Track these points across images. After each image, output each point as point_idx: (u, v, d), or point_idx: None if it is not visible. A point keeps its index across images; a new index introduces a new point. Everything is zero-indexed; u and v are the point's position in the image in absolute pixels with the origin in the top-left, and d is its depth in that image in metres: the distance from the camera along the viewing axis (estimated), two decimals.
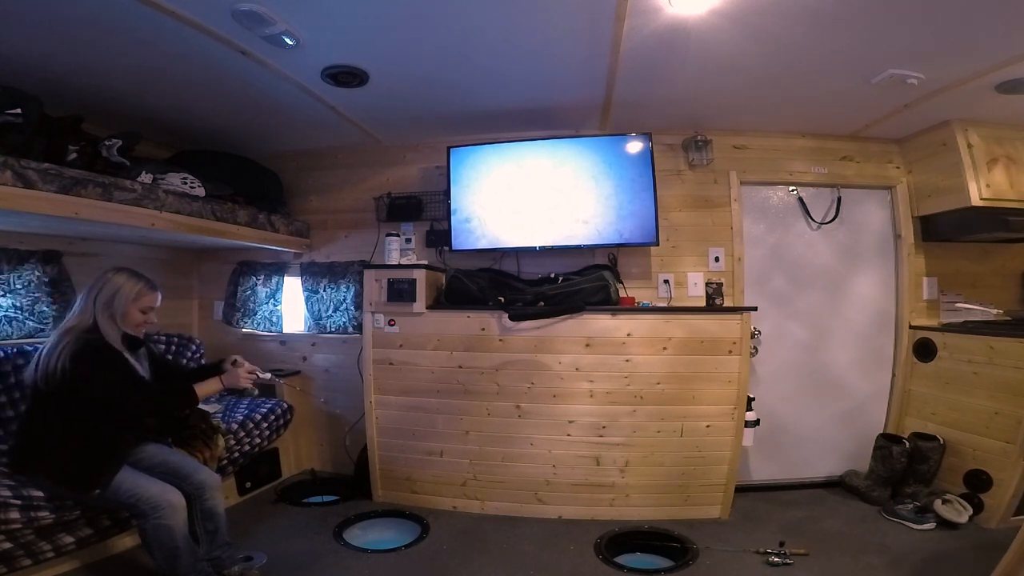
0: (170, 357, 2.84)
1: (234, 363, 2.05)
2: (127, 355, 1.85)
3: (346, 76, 2.28)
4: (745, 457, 2.84)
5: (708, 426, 2.48)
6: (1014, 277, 3.06)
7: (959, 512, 2.39)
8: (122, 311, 1.83)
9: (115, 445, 1.77)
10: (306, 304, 3.29)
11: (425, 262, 2.81)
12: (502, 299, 2.59)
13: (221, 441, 2.34)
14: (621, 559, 2.21)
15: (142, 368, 1.93)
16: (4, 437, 2.02)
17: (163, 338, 2.87)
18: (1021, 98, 2.35)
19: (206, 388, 1.93)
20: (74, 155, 2.10)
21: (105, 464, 1.72)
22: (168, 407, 1.92)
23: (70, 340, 1.71)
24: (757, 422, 2.58)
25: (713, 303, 2.58)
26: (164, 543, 1.71)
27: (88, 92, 2.35)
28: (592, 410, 2.52)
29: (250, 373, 2.03)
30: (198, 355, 2.96)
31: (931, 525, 2.38)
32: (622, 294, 2.74)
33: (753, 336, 2.75)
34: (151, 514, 1.70)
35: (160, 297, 1.96)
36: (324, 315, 3.25)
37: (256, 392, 2.28)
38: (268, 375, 2.09)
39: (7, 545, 1.63)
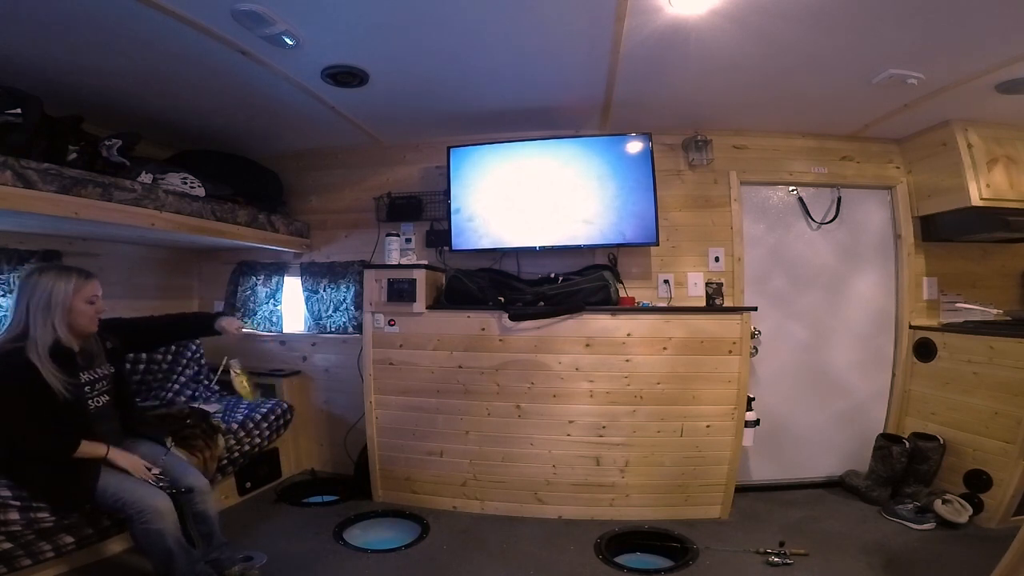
0: (170, 356, 2.84)
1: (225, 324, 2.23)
2: (45, 369, 1.65)
3: (346, 76, 2.28)
4: (745, 457, 2.84)
5: (708, 426, 2.48)
6: (1014, 277, 3.06)
7: (959, 512, 2.38)
8: (65, 308, 1.72)
9: (76, 465, 1.68)
10: (306, 304, 3.29)
11: (425, 262, 2.81)
12: (502, 299, 2.59)
13: (221, 441, 2.36)
14: (621, 559, 2.21)
15: (92, 374, 1.83)
16: None
17: None
18: (1021, 98, 2.35)
19: (89, 449, 1.70)
20: (74, 155, 2.10)
21: (79, 481, 1.67)
22: (43, 452, 1.67)
23: None
24: (757, 422, 2.58)
25: (713, 303, 2.58)
26: (156, 546, 1.68)
27: (88, 92, 2.35)
28: (592, 410, 2.52)
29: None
30: (198, 355, 2.95)
31: (931, 525, 2.38)
32: (622, 294, 2.74)
33: (753, 336, 2.75)
34: (137, 519, 1.66)
35: (99, 284, 1.83)
36: (324, 315, 3.25)
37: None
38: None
39: (7, 545, 1.63)
